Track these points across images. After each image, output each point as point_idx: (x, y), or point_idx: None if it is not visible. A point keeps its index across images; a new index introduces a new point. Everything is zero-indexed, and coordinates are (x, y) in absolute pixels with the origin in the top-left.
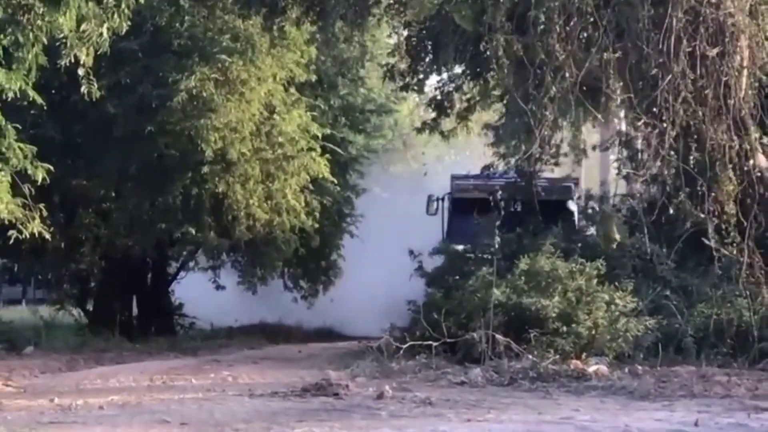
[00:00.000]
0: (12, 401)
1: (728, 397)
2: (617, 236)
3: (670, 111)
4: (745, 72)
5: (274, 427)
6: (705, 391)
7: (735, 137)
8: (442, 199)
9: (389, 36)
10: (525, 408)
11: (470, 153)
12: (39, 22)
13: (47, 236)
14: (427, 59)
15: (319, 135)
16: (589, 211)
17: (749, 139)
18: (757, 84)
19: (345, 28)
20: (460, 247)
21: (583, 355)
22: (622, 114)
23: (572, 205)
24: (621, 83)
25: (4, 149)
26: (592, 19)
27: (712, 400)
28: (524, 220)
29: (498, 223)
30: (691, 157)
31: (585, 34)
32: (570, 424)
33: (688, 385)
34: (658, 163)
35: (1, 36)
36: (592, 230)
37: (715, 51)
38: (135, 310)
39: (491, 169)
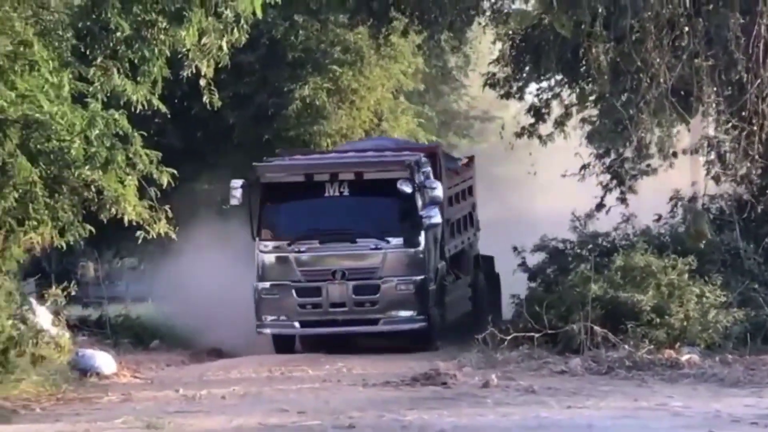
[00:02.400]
0: (140, 392)
1: None
2: (708, 233)
3: (759, 114)
4: None
5: (387, 414)
6: None
7: None
8: (249, 186)
9: (492, 44)
10: (622, 395)
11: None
12: (162, 36)
13: (173, 236)
14: (527, 68)
15: (426, 141)
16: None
17: None
18: None
19: (450, 39)
20: (276, 244)
21: (676, 345)
22: (711, 118)
23: (405, 185)
24: (712, 88)
25: (131, 155)
26: (686, 28)
27: None
28: (347, 204)
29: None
30: None
31: (678, 42)
32: (665, 411)
33: None
34: (747, 164)
35: (129, 51)
36: (435, 216)
37: None
38: None
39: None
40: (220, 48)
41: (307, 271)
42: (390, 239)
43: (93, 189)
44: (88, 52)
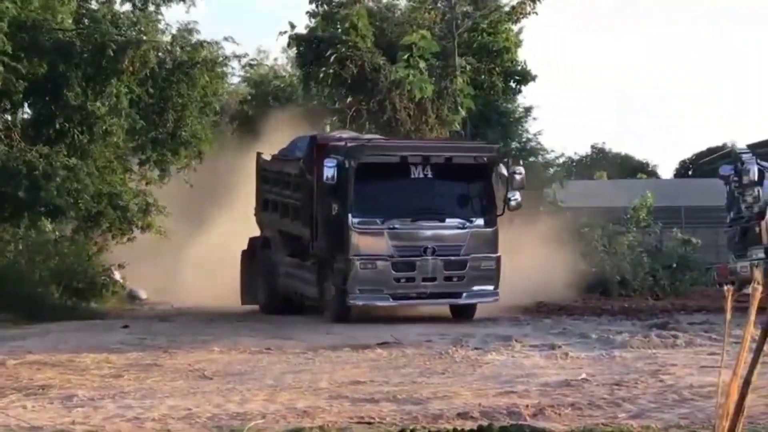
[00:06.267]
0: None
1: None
2: None
3: None
4: None
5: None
6: None
7: None
8: (343, 165)
9: None
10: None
11: None
12: None
13: None
14: None
15: None
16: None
17: None
18: None
19: None
20: (369, 220)
21: None
22: None
23: (503, 168)
24: None
25: None
26: None
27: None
28: (436, 184)
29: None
30: None
31: None
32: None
33: None
34: None
35: None
36: (518, 198)
37: None
38: None
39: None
40: None
41: (400, 246)
42: (473, 219)
43: None
44: None
